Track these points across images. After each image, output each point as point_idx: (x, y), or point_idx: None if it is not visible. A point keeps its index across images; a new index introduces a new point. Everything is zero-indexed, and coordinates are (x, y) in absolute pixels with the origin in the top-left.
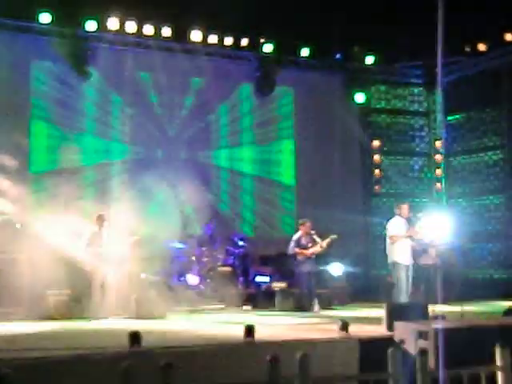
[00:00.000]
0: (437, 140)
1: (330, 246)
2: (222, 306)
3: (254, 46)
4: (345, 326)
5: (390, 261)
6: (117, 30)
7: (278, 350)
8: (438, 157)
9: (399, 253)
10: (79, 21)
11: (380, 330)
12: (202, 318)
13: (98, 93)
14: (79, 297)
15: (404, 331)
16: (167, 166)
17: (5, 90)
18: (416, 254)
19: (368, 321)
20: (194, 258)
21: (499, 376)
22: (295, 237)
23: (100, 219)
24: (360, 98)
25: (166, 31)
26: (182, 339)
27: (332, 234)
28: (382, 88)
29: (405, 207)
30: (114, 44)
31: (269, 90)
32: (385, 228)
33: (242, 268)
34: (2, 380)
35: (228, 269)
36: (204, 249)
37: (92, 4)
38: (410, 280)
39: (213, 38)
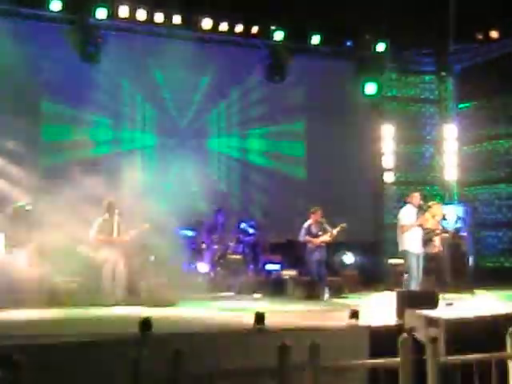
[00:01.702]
0: (448, 128)
1: (340, 234)
2: (232, 294)
3: (265, 33)
4: (355, 314)
5: (400, 249)
6: (127, 18)
7: (289, 337)
8: (449, 145)
9: (410, 241)
10: (89, 8)
11: (390, 318)
12: (212, 306)
13: (108, 81)
14: (90, 284)
15: (414, 319)
16: (178, 154)
17: (15, 79)
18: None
19: (378, 309)
20: (204, 246)
21: (510, 364)
22: (306, 224)
23: (110, 206)
24: (371, 88)
25: (177, 19)
26: (193, 326)
27: (342, 222)
28: (393, 75)
29: (416, 196)
30: (124, 32)
31: (279, 78)
32: (396, 216)
33: (253, 256)
34: (15, 365)
35: (238, 256)
36: (214, 236)
37: None
38: (421, 268)
39: (223, 26)
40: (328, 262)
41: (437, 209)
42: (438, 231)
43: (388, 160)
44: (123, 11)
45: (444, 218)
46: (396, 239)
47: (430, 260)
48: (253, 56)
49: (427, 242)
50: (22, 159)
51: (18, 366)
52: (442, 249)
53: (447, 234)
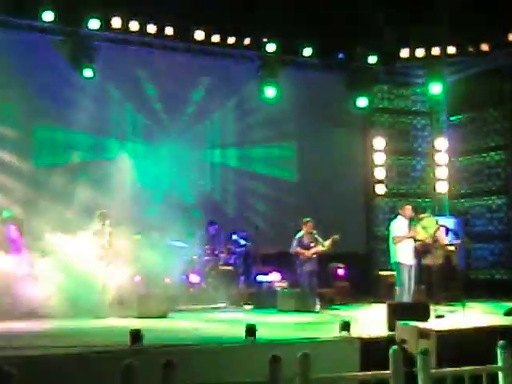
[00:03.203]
0: (439, 140)
1: (332, 245)
2: (224, 305)
3: (257, 45)
4: (346, 326)
5: (392, 261)
6: (120, 29)
7: (279, 349)
8: (441, 157)
9: (402, 253)
10: (82, 19)
11: (381, 330)
12: (203, 317)
13: (100, 91)
14: (80, 295)
15: (405, 331)
16: (170, 165)
17: (6, 88)
18: (418, 254)
19: (369, 321)
20: (196, 257)
21: (500, 376)
22: (297, 236)
23: (102, 217)
24: (362, 102)
25: (169, 30)
26: (183, 338)
27: (334, 234)
28: (385, 88)
29: (408, 208)
30: (117, 43)
31: (271, 90)
32: (387, 228)
33: (244, 267)
34: (4, 377)
35: (229, 268)
36: (206, 248)
37: (95, 2)
38: (413, 280)
39: (216, 38)
40: (319, 274)
41: (428, 221)
42: (429, 243)
43: (379, 172)
44: (116, 22)
45: (438, 230)
46: (387, 251)
47: (423, 271)
48: (245, 68)
49: (424, 253)
50: (13, 167)
51: (8, 377)
52: (439, 261)
53: (445, 246)
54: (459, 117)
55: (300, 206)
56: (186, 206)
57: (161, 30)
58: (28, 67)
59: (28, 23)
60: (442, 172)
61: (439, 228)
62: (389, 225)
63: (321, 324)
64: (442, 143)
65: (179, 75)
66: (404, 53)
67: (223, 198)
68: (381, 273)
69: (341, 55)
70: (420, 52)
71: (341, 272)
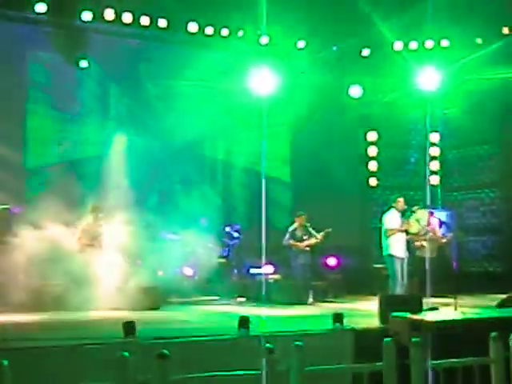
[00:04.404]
0: (432, 133)
1: (325, 238)
2: (217, 298)
3: (251, 37)
4: (339, 318)
5: (385, 253)
6: (113, 21)
7: (273, 341)
8: (434, 150)
9: (394, 245)
10: (75, 11)
11: (374, 322)
12: (196, 310)
13: (94, 83)
14: (74, 288)
15: (398, 323)
16: (165, 157)
17: (0, 81)
18: (411, 246)
19: (363, 313)
20: (189, 250)
21: (492, 368)
22: (290, 228)
23: (95, 210)
24: (356, 91)
25: (163, 22)
26: (177, 330)
27: (327, 227)
28: (379, 80)
29: (401, 201)
30: (110, 34)
31: (266, 83)
32: (380, 221)
33: (237, 260)
34: None
35: (223, 260)
36: (199, 240)
37: None
38: (405, 273)
39: (209, 30)
40: (312, 266)
41: (421, 213)
42: (422, 235)
43: (373, 164)
44: (109, 14)
45: (431, 223)
46: (380, 243)
47: (416, 264)
48: (239, 60)
49: (417, 245)
50: (6, 161)
51: (2, 369)
52: (434, 254)
53: (438, 239)
54: (453, 110)
55: (293, 199)
56: (179, 199)
57: (154, 21)
58: (21, 59)
59: (21, 15)
60: (435, 165)
61: (431, 221)
62: (382, 217)
63: (314, 316)
64: (435, 136)
65: (173, 66)
66: (398, 45)
67: (216, 192)
68: (374, 265)
69: (334, 48)
70: (414, 45)
71: (333, 262)
